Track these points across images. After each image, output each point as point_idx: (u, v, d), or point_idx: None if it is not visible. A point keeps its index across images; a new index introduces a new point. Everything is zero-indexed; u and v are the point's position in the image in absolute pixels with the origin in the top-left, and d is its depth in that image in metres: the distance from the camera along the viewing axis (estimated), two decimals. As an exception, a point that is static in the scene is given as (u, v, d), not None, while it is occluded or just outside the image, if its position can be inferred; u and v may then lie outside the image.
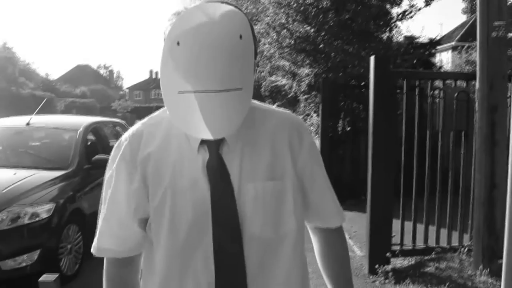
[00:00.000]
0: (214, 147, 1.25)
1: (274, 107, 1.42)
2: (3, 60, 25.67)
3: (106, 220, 1.31)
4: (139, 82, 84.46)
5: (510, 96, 5.15)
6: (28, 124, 6.08)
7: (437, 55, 24.24)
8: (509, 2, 7.94)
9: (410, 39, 15.98)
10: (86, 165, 5.58)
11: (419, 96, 5.33)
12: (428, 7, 9.71)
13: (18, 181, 4.79)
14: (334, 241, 1.48)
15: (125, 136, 1.35)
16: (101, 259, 1.38)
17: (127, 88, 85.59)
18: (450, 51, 26.40)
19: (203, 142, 1.24)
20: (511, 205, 3.60)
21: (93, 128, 6.46)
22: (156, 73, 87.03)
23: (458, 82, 5.65)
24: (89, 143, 6.21)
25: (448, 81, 6.07)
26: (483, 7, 4.65)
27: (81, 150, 5.69)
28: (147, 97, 77.70)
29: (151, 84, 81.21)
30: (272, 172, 1.28)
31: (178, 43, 1.10)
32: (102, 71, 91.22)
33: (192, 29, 1.10)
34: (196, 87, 1.10)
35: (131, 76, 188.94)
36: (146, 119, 1.39)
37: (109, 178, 1.33)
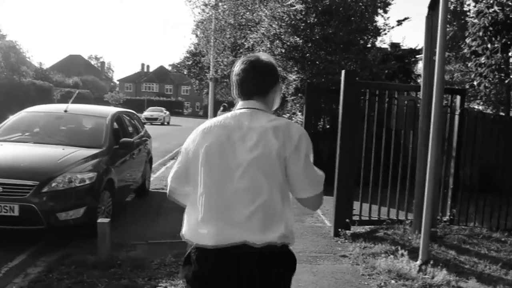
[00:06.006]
0: None
1: None
2: (6, 49, 26.68)
3: None
4: (130, 74, 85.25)
5: (447, 105, 6.67)
6: (65, 111, 7.48)
7: (420, 62, 25.77)
8: (448, 36, 9.41)
9: (393, 47, 17.64)
10: (114, 146, 6.99)
11: (379, 102, 6.82)
12: (400, 26, 11.25)
13: (67, 155, 6.17)
14: None
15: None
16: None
17: (117, 80, 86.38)
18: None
19: None
20: (428, 186, 5.15)
21: (117, 117, 7.87)
22: (148, 66, 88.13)
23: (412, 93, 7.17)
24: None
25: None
26: (427, 38, 6.14)
27: (110, 134, 7.10)
28: (138, 90, 78.57)
29: (143, 77, 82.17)
30: None
31: None
32: (93, 62, 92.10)
33: None
34: None
35: (121, 68, 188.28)
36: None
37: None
